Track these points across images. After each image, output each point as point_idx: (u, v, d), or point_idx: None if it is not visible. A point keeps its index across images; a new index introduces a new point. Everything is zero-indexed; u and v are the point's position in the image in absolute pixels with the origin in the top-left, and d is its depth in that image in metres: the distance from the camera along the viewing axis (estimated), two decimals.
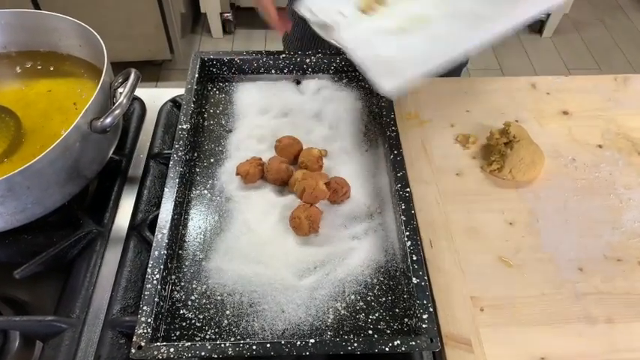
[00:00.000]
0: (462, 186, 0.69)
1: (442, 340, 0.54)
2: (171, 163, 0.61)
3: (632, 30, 2.38)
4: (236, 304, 0.54)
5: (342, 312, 0.53)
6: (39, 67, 0.69)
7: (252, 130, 0.70)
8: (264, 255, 0.58)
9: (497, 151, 0.70)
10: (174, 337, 0.52)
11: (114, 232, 0.64)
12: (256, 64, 0.77)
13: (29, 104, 0.65)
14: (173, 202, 0.58)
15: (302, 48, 0.95)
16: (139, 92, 0.78)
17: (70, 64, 0.69)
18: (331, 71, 0.78)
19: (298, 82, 0.77)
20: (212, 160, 0.67)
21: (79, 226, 0.62)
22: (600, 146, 0.74)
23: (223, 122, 0.72)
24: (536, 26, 2.31)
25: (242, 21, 2.31)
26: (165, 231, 0.55)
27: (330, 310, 0.54)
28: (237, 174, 0.64)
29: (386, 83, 0.61)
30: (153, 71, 2.08)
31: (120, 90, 0.60)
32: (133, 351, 0.47)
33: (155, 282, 0.51)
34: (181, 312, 0.53)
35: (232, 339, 0.51)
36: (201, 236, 0.59)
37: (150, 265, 0.52)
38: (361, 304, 0.54)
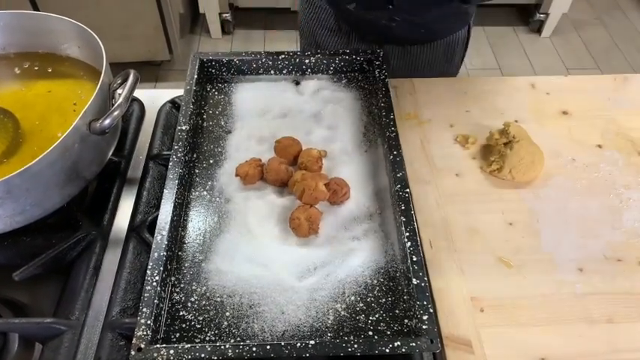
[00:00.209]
0: (461, 186, 0.69)
1: (442, 341, 0.54)
2: (170, 164, 0.61)
3: (631, 30, 2.38)
4: (236, 306, 0.54)
5: (342, 313, 0.53)
6: (37, 69, 0.69)
7: (252, 131, 0.70)
8: (263, 256, 0.57)
9: (497, 151, 0.70)
10: (174, 339, 0.51)
11: (113, 233, 0.64)
12: (255, 64, 0.76)
13: (28, 106, 0.65)
14: (172, 204, 0.58)
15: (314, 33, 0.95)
16: (138, 93, 0.78)
17: (68, 65, 0.69)
18: (330, 72, 0.78)
19: (297, 83, 0.77)
20: (211, 161, 0.67)
21: (78, 227, 0.62)
22: (600, 146, 0.74)
23: (222, 123, 0.72)
24: (536, 26, 2.31)
25: (241, 21, 2.31)
26: (165, 232, 0.55)
27: (330, 311, 0.53)
28: (237, 175, 0.64)
29: None
30: (151, 72, 2.08)
31: (119, 91, 0.60)
32: (133, 353, 0.47)
33: (155, 283, 0.51)
34: (181, 313, 0.53)
35: (232, 340, 0.51)
36: (201, 237, 0.59)
37: (149, 267, 0.52)
38: (361, 305, 0.54)
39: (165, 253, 0.54)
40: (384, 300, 0.54)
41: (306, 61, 0.76)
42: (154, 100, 0.79)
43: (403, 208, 0.57)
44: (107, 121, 0.56)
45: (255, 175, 0.63)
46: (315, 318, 0.53)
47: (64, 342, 0.53)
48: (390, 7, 0.77)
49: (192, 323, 0.53)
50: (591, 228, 0.65)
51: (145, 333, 0.48)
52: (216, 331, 0.52)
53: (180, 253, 0.58)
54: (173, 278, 0.56)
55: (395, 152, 0.63)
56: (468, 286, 0.59)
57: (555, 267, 0.61)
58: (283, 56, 0.76)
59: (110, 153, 0.65)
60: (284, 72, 0.77)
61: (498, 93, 0.81)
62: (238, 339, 0.51)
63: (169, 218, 0.56)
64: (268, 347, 0.47)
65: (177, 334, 0.52)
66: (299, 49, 0.93)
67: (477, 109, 0.78)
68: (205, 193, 0.64)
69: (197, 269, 0.57)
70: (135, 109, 0.77)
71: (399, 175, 0.61)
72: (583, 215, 0.66)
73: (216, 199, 0.63)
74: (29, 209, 0.56)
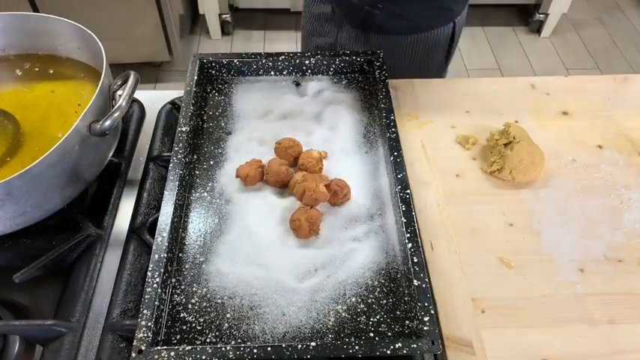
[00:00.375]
0: (462, 187, 0.69)
1: (443, 342, 0.54)
2: (170, 165, 0.61)
3: (630, 30, 2.38)
4: (236, 307, 0.54)
5: (343, 314, 0.53)
6: (38, 70, 0.69)
7: (252, 132, 0.70)
8: (264, 258, 0.57)
9: (498, 152, 0.70)
10: (175, 341, 0.51)
11: (113, 235, 0.64)
12: (255, 65, 0.76)
13: (28, 107, 0.65)
14: (173, 205, 0.58)
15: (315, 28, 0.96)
16: (138, 94, 0.78)
17: (69, 66, 0.69)
18: (331, 72, 0.78)
19: (298, 84, 0.77)
20: (212, 163, 0.67)
21: (78, 229, 0.62)
22: (600, 146, 0.74)
23: (223, 124, 0.72)
24: (535, 26, 2.31)
25: (240, 22, 2.31)
26: (165, 234, 0.55)
27: (331, 312, 0.53)
28: (237, 176, 0.64)
29: None
30: (151, 72, 2.08)
31: (119, 92, 0.60)
32: (134, 355, 0.47)
33: (155, 285, 0.51)
34: (182, 315, 0.53)
35: (233, 342, 0.51)
36: (201, 239, 0.59)
37: (150, 269, 0.52)
38: (362, 306, 0.54)
39: (165, 255, 0.54)
40: (384, 301, 0.54)
41: (306, 62, 0.76)
42: (154, 101, 0.79)
43: (404, 209, 0.57)
44: (107, 123, 0.56)
45: (255, 176, 0.63)
46: (315, 319, 0.53)
47: (65, 344, 0.53)
48: None
49: (193, 325, 0.53)
50: (592, 228, 0.65)
51: (145, 335, 0.48)
52: (217, 333, 0.52)
53: (180, 254, 0.58)
54: (174, 280, 0.56)
55: (395, 153, 0.63)
56: (468, 287, 0.59)
57: (556, 268, 0.61)
58: (283, 57, 0.76)
59: (110, 154, 0.65)
60: (284, 73, 0.77)
61: (498, 94, 0.81)
62: (239, 341, 0.51)
63: (170, 220, 0.56)
64: (269, 349, 0.47)
65: (178, 336, 0.52)
66: (299, 50, 0.93)
67: (477, 110, 0.78)
68: (206, 194, 0.64)
69: (197, 271, 0.57)
70: (135, 110, 0.77)
71: (399, 176, 0.61)
72: (583, 216, 0.66)
73: (217, 201, 0.63)
74: (29, 211, 0.56)
